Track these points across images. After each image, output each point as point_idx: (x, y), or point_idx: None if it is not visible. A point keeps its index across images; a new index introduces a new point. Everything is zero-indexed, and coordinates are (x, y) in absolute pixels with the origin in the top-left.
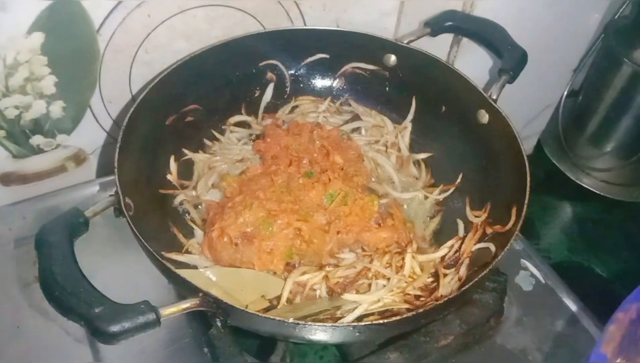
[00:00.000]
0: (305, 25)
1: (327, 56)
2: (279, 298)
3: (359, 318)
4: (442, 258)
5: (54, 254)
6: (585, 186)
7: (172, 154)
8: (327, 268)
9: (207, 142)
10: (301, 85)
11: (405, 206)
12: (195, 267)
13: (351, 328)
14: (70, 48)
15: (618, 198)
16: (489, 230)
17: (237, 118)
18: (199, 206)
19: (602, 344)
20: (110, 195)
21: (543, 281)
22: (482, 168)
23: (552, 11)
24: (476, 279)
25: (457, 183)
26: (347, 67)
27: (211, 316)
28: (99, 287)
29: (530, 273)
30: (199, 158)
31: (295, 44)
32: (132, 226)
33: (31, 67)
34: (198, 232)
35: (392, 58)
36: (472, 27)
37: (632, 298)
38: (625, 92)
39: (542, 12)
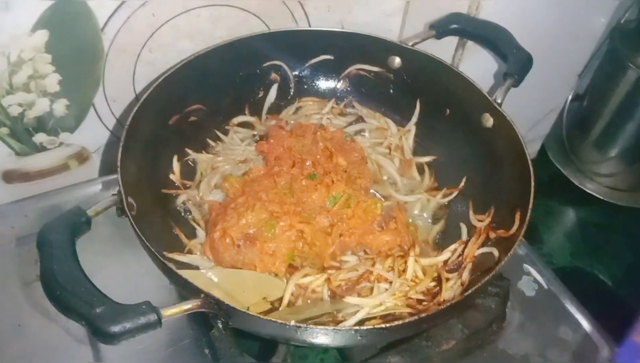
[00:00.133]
0: (309, 26)
1: (332, 57)
2: (280, 300)
3: (361, 322)
4: (445, 262)
5: (56, 253)
6: (589, 191)
7: (175, 154)
8: (329, 271)
9: (210, 142)
10: (305, 86)
11: (408, 209)
12: (196, 268)
13: (353, 332)
14: (74, 46)
15: (622, 203)
16: (492, 235)
17: (240, 119)
18: (202, 207)
19: (636, 333)
20: (113, 194)
21: (546, 286)
22: (486, 171)
23: (557, 15)
24: (479, 284)
25: (460, 186)
26: (352, 69)
27: (212, 318)
28: (100, 287)
29: (533, 279)
30: (202, 158)
31: (299, 45)
32: (135, 226)
33: (35, 65)
34: (200, 233)
35: (397, 60)
36: (478, 30)
37: None
38: (631, 97)
39: (547, 15)
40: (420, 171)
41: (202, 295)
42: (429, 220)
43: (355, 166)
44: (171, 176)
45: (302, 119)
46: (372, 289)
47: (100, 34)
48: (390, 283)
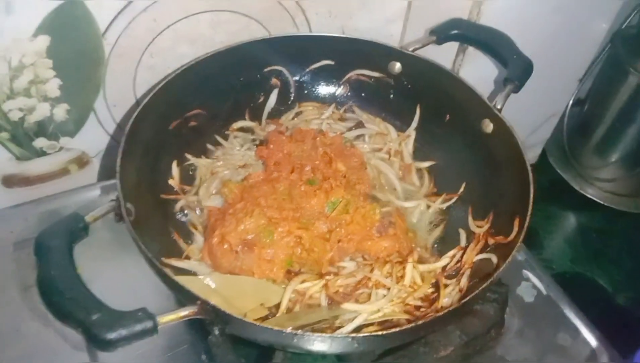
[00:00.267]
0: (310, 31)
1: (332, 63)
2: (278, 306)
3: (358, 328)
4: (444, 268)
5: (53, 259)
6: (590, 196)
7: (175, 159)
8: (327, 277)
9: (210, 147)
10: (305, 91)
11: (407, 215)
12: (194, 274)
13: (349, 339)
14: (75, 51)
15: (622, 208)
16: (491, 241)
17: (240, 124)
18: (201, 212)
19: None
20: (112, 200)
21: (545, 292)
22: (486, 177)
23: (558, 20)
24: (477, 291)
25: (460, 192)
26: (352, 74)
27: (209, 325)
28: (99, 292)
29: (532, 284)
30: (201, 163)
31: (300, 50)
32: (133, 232)
33: (36, 70)
34: (198, 238)
35: (397, 66)
36: (478, 35)
37: None
38: (632, 102)
39: (548, 21)
40: (420, 176)
41: (198, 302)
42: (428, 226)
43: (355, 171)
44: (170, 182)
45: (302, 124)
46: (370, 295)
47: (101, 39)
48: (388, 289)
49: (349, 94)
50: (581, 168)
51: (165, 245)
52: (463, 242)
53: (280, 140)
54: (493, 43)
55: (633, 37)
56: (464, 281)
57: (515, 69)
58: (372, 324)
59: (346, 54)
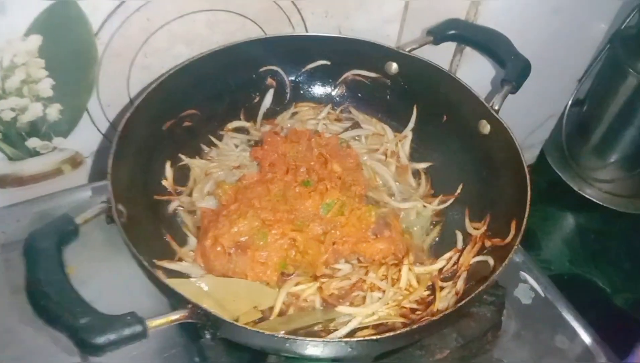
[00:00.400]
0: (307, 31)
1: (328, 63)
2: (272, 309)
3: (353, 332)
4: (440, 270)
5: (42, 262)
6: (588, 196)
7: (169, 160)
8: (322, 279)
9: (204, 148)
10: (301, 91)
11: (403, 217)
12: (187, 276)
13: (343, 344)
14: (68, 51)
15: (621, 209)
16: (487, 243)
17: (235, 124)
18: (194, 214)
19: None
20: (102, 202)
21: (543, 294)
22: (483, 179)
23: (557, 21)
24: (473, 294)
25: (456, 193)
26: (348, 75)
27: (201, 329)
28: (91, 295)
29: (529, 286)
30: (195, 163)
31: (296, 50)
32: (124, 233)
33: (28, 70)
34: (192, 240)
35: (394, 66)
36: (476, 36)
37: None
38: (631, 102)
39: (546, 21)
40: (416, 177)
41: (190, 306)
42: (425, 228)
43: (350, 172)
44: (164, 182)
45: (298, 125)
46: (364, 298)
47: (94, 39)
48: (384, 292)
49: (345, 94)
50: (580, 169)
51: (158, 247)
52: (460, 244)
53: (275, 141)
54: (490, 43)
55: (632, 37)
56: (460, 284)
57: (513, 69)
58: (367, 327)
59: (342, 54)
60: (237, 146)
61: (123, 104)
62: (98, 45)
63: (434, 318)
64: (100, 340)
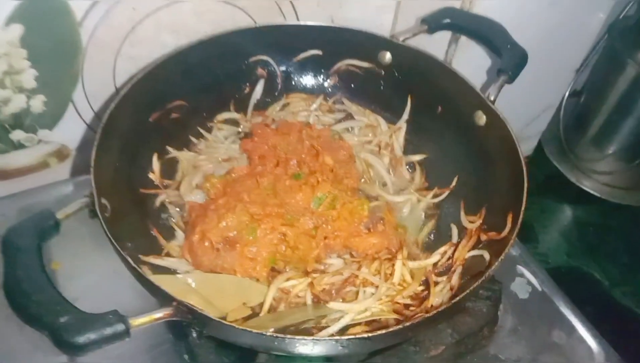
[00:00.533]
0: (298, 20)
1: (320, 53)
2: (261, 305)
3: (345, 329)
4: (434, 265)
5: (20, 258)
6: (586, 189)
7: (155, 152)
8: (313, 275)
9: (192, 140)
10: (293, 82)
11: (397, 210)
12: (174, 272)
13: (333, 342)
14: (51, 41)
15: (620, 201)
16: (483, 237)
17: (225, 115)
18: (182, 208)
19: None
20: (85, 196)
21: (540, 288)
22: (479, 171)
23: (554, 9)
24: (468, 290)
25: (452, 186)
26: (341, 65)
27: (186, 327)
28: (76, 291)
29: (526, 281)
30: (183, 156)
31: (287, 39)
32: (106, 228)
33: (10, 60)
34: (179, 234)
35: (388, 56)
36: (471, 25)
37: None
38: (629, 93)
39: (543, 10)
40: (411, 170)
41: (174, 303)
42: (419, 221)
43: (343, 165)
44: (150, 175)
45: (290, 116)
46: (357, 294)
47: (77, 28)
48: (377, 287)
49: (337, 85)
50: (578, 161)
51: (144, 242)
52: (455, 238)
53: (265, 133)
54: (486, 32)
55: (631, 27)
56: (455, 279)
57: (509, 59)
58: (359, 324)
59: (335, 43)
60: (226, 138)
61: (109, 95)
62: (82, 34)
63: (428, 315)
64: (81, 339)
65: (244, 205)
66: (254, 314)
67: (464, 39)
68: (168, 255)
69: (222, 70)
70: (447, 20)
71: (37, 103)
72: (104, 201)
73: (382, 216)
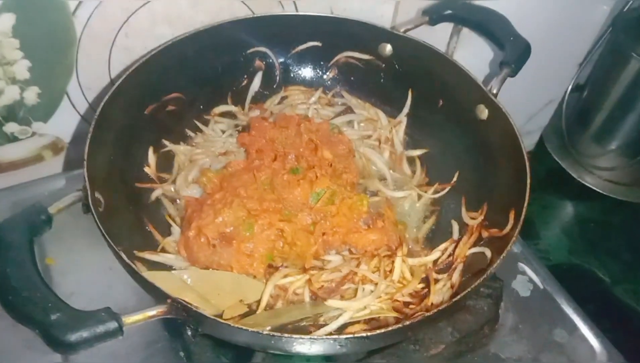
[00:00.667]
0: (297, 11)
1: (320, 44)
2: (258, 303)
3: (343, 327)
4: (435, 262)
5: (11, 254)
6: (588, 185)
7: (151, 146)
8: (311, 272)
9: (189, 133)
10: (291, 74)
11: (397, 206)
12: (170, 268)
13: (331, 341)
14: (44, 31)
15: (622, 198)
16: (485, 234)
17: (222, 108)
18: (178, 202)
19: None
20: (78, 189)
21: (541, 286)
22: (480, 166)
23: (557, 1)
24: (469, 289)
25: (453, 181)
26: (341, 57)
27: (181, 325)
28: (71, 287)
29: (528, 278)
30: (180, 150)
31: (285, 30)
32: (99, 223)
33: (2, 51)
34: (175, 230)
35: (388, 48)
36: (473, 16)
37: None
38: (633, 87)
39: (547, 1)
40: (411, 165)
41: (168, 300)
42: (419, 217)
43: (342, 159)
44: (146, 169)
45: (288, 109)
46: (356, 291)
47: (71, 18)
48: (376, 284)
49: (337, 77)
50: (580, 156)
51: (139, 237)
52: (456, 235)
53: (262, 126)
54: (489, 24)
55: (635, 20)
56: (456, 277)
57: (512, 51)
58: (358, 322)
59: (334, 35)
60: (223, 132)
61: (104, 87)
62: (76, 25)
63: (428, 313)
64: (72, 337)
65: (240, 200)
66: (251, 311)
67: (466, 30)
68: (164, 250)
69: (219, 62)
70: (449, 12)
71: (31, 95)
72: (97, 195)
73: (382, 212)
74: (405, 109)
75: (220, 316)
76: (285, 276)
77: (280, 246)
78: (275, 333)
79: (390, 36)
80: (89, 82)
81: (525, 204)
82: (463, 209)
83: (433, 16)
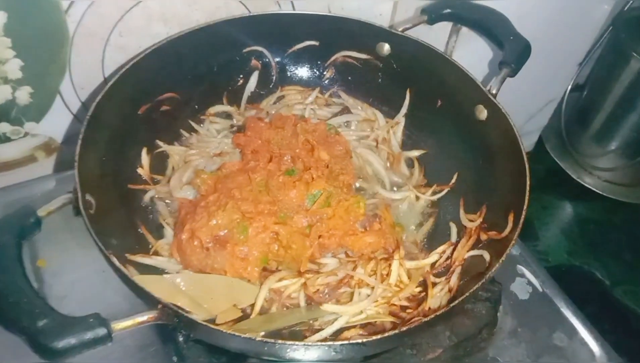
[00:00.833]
0: (294, 9)
1: (317, 44)
2: (252, 307)
3: (339, 332)
4: (432, 265)
5: None
6: (588, 185)
7: (145, 146)
8: (307, 275)
9: (184, 133)
10: (288, 74)
11: (394, 208)
12: (162, 271)
13: (326, 347)
14: (37, 29)
15: (622, 198)
16: (483, 236)
17: (217, 108)
18: (172, 204)
19: None
20: (69, 191)
21: (540, 289)
22: (479, 167)
23: (558, 0)
24: (467, 293)
25: (451, 183)
26: (338, 56)
27: (173, 331)
28: (63, 291)
29: (527, 281)
30: (174, 150)
31: (282, 29)
32: (89, 226)
33: None
34: (168, 232)
35: (386, 47)
36: (473, 15)
37: None
38: (633, 87)
39: (547, 1)
40: (409, 166)
41: (159, 306)
42: (417, 219)
43: (339, 160)
44: (139, 170)
45: (284, 109)
46: (352, 295)
47: (64, 16)
48: (373, 288)
49: (334, 77)
50: (579, 156)
51: (131, 240)
52: (454, 237)
53: (258, 126)
54: (488, 23)
55: (635, 20)
56: (454, 280)
57: (512, 51)
58: (354, 327)
59: (332, 34)
60: (218, 132)
61: (98, 86)
62: (69, 23)
63: (426, 319)
64: (60, 344)
65: (235, 202)
66: (245, 316)
67: (465, 30)
68: (156, 253)
69: (215, 61)
70: (448, 10)
71: (23, 94)
72: (88, 197)
73: (379, 214)
74: (404, 110)
75: (213, 321)
76: (280, 279)
77: (275, 249)
78: (269, 340)
79: (388, 35)
80: (82, 82)
81: (525, 207)
82: (461, 211)
83: (432, 15)
